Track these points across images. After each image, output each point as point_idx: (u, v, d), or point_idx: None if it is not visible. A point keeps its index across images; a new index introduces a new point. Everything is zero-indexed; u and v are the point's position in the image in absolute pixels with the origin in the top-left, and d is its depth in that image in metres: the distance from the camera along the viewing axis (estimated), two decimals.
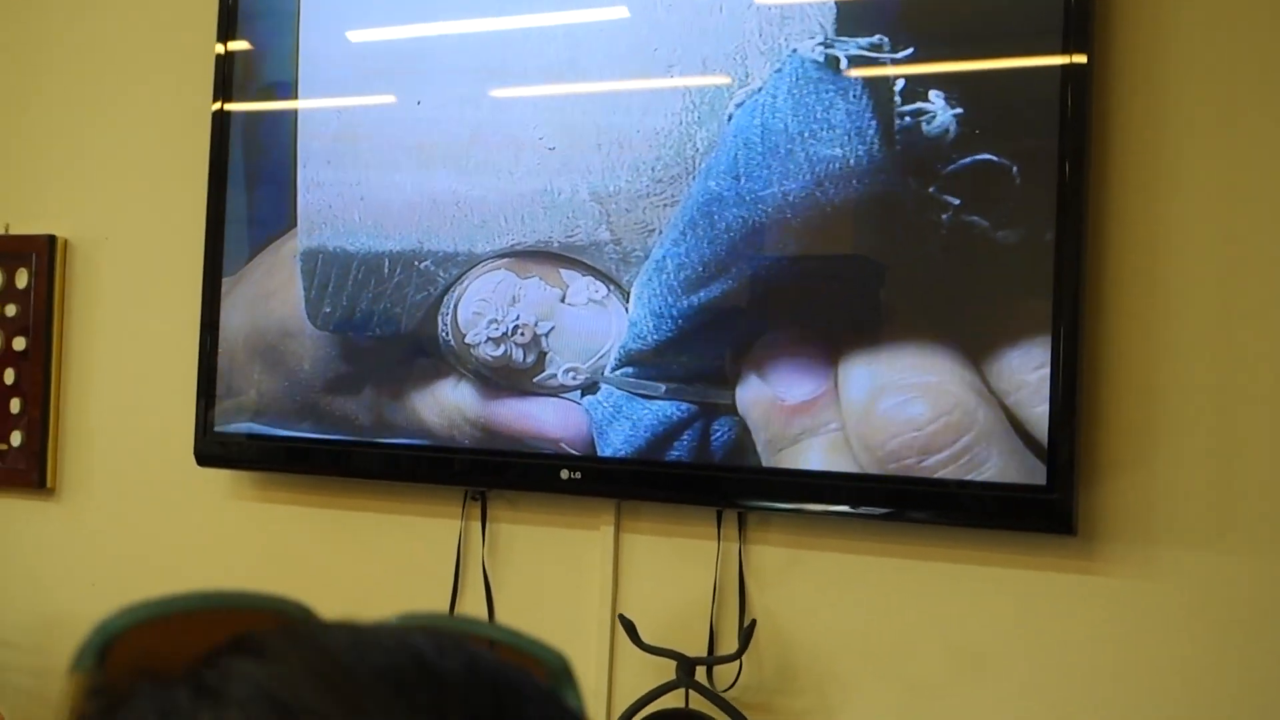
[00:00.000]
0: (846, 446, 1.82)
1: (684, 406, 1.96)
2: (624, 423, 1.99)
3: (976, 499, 1.77)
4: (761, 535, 2.02)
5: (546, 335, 2.07)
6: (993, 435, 1.74)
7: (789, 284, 1.90)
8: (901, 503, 1.84)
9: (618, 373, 2.00)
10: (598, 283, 2.02)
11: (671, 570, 2.06)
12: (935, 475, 1.79)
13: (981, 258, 1.78)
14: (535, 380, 2.08)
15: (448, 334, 2.14)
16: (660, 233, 1.96)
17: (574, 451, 2.04)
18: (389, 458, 2.21)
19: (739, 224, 1.91)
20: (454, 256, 2.13)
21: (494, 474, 2.14)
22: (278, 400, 2.29)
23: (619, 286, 2.00)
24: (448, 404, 2.13)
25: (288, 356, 2.28)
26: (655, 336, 1.98)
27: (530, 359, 2.08)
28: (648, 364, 1.97)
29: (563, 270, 2.06)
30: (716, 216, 1.93)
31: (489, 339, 2.09)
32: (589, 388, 2.03)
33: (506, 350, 2.08)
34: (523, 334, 2.07)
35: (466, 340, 2.12)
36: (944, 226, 1.79)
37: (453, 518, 2.23)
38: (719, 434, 1.94)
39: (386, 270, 2.18)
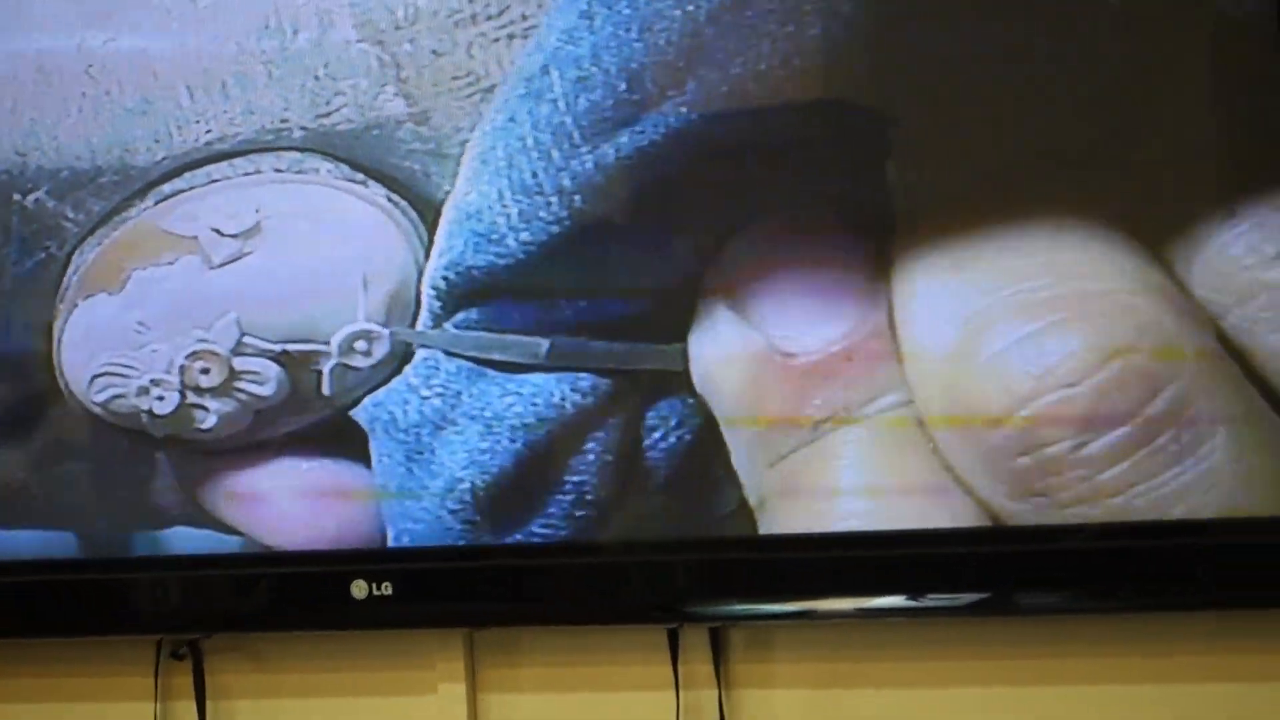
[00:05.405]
0: (921, 436, 1.23)
1: (588, 382, 1.29)
2: (469, 428, 1.30)
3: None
4: (759, 666, 1.39)
5: None
6: (1212, 391, 1.20)
7: (797, 112, 1.27)
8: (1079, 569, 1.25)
9: (450, 324, 1.30)
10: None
11: None
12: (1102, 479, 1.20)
13: (1188, 40, 1.26)
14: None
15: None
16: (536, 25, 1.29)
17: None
18: None
19: None
20: (92, 176, 1.41)
21: (205, 606, 1.47)
22: None
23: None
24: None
25: None
26: (526, 234, 1.30)
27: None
28: (510, 295, 1.30)
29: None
30: None
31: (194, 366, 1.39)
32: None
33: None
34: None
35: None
36: None
37: (135, 698, 1.53)
38: (666, 442, 1.28)
39: None
